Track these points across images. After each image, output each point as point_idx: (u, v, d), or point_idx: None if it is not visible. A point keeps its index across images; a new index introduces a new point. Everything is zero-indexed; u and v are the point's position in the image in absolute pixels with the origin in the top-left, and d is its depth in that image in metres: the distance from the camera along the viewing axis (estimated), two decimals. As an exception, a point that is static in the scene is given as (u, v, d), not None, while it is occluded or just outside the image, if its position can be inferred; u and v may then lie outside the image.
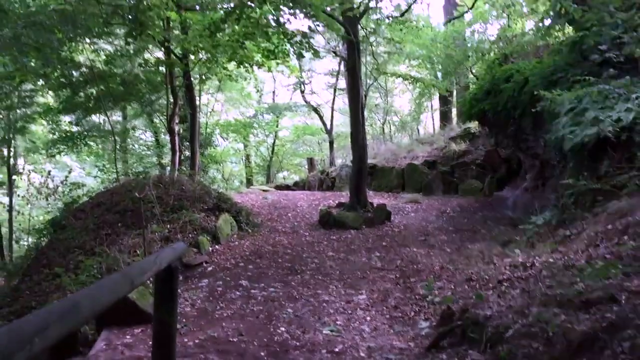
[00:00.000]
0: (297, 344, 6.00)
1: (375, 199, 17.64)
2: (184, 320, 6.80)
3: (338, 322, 6.71)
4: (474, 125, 20.74)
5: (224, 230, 11.44)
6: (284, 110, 26.76)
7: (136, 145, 25.20)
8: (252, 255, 10.55)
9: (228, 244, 11.31)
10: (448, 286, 7.48)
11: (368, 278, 8.87)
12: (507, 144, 15.25)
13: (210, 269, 9.60)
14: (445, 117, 24.72)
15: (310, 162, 26.29)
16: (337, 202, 17.75)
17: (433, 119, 29.69)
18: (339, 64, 24.25)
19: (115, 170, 17.31)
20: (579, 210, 8.41)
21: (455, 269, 8.64)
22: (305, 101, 26.39)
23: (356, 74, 13.92)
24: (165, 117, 18.08)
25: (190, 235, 11.24)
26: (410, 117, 28.20)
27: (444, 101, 24.67)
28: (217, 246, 10.95)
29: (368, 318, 6.86)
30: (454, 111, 25.75)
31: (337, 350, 5.80)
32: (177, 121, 18.45)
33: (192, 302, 7.65)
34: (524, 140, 13.60)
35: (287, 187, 23.31)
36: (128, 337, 6.38)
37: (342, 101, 29.13)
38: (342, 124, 29.90)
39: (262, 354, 5.70)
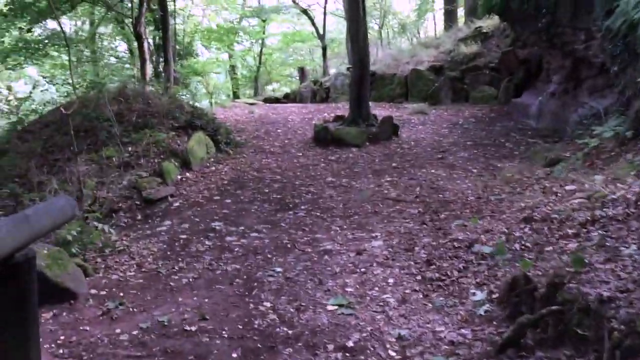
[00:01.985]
0: (290, 332, 3.86)
1: (375, 110, 15.22)
2: (120, 294, 4.63)
3: (348, 289, 4.56)
4: (486, 25, 18.03)
5: (196, 152, 9.14)
6: (271, 14, 23.66)
7: (108, 56, 22.35)
8: (232, 184, 8.32)
9: (202, 170, 9.04)
10: (498, 228, 5.28)
11: (381, 213, 6.68)
12: (534, 41, 12.71)
13: (176, 204, 7.39)
14: (450, 17, 21.84)
15: (302, 72, 23.61)
16: (334, 115, 15.41)
17: (435, 22, 26.75)
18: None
19: (70, 83, 14.71)
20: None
21: (497, 200, 6.44)
22: (294, 2, 23.22)
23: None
24: (131, 21, 15.29)
25: (154, 160, 8.95)
26: (412, 18, 25.16)
27: (449, -1, 21.75)
28: (187, 174, 8.68)
29: (391, 280, 4.69)
30: (460, 11, 22.85)
31: (350, 344, 3.67)
32: (144, 25, 15.69)
33: (140, 261, 5.45)
34: (559, 34, 11.08)
35: (276, 100, 20.80)
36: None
37: (335, 1, 26.04)
38: (335, 28, 26.99)
39: (234, 356, 3.57)
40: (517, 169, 8.52)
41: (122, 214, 7.34)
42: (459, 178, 8.34)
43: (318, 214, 6.83)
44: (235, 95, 26.79)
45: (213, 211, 6.95)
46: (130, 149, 9.36)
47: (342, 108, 16.91)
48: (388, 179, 8.56)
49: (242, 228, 6.25)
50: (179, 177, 8.47)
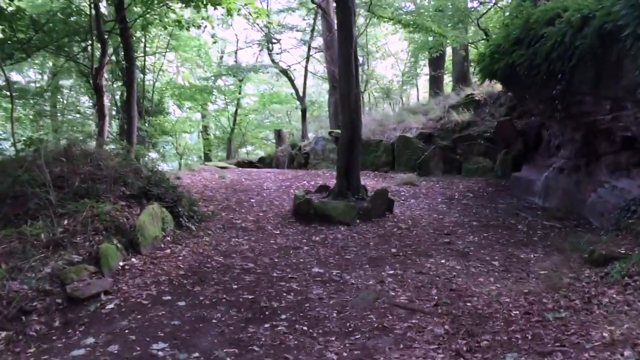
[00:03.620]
0: None
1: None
2: None
3: None
4: (478, 92, 16.77)
5: (148, 230, 7.14)
6: (247, 72, 22.08)
7: (69, 111, 20.46)
8: (190, 275, 6.32)
9: (153, 253, 7.02)
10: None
11: (393, 332, 4.74)
12: (542, 111, 11.24)
13: (109, 307, 5.33)
14: (436, 84, 20.64)
15: (279, 134, 21.98)
16: (314, 184, 13.65)
17: (417, 88, 25.56)
18: (314, 16, 19.86)
19: (12, 140, 12.69)
20: None
21: (558, 321, 4.58)
22: (274, 62, 21.75)
23: (348, 2, 9.65)
24: (91, 73, 13.49)
25: (95, 239, 6.94)
26: (396, 84, 23.89)
27: (435, 65, 20.58)
28: (133, 259, 6.64)
29: None
30: (445, 78, 21.72)
31: None
32: (105, 78, 13.95)
33: None
34: (576, 103, 9.60)
35: (250, 164, 19.01)
36: None
37: (317, 62, 24.70)
38: (315, 91, 25.63)
39: None
40: (549, 263, 6.74)
41: (35, 318, 5.27)
42: (480, 274, 6.50)
43: (305, 328, 4.87)
44: (207, 157, 24.97)
45: (158, 321, 4.92)
46: (66, 222, 7.36)
47: (323, 176, 15.21)
48: (390, 271, 6.67)
49: (196, 355, 4.24)
50: (122, 263, 6.43)
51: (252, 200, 11.32)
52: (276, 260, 7.14)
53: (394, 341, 4.54)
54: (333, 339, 4.63)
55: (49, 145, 9.80)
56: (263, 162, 19.48)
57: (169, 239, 7.68)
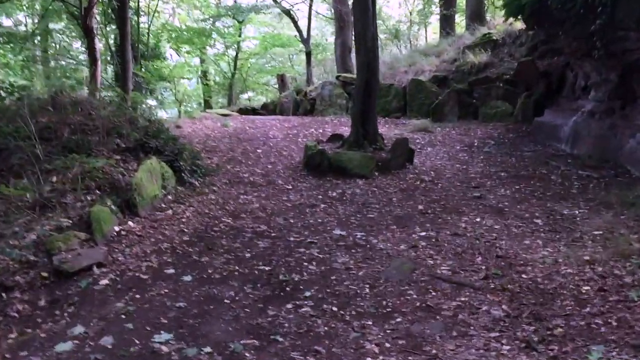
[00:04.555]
0: None
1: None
2: None
3: None
4: (495, 31, 15.58)
5: (146, 189, 6.27)
6: (248, 13, 20.66)
7: (62, 56, 19.28)
8: (195, 242, 5.48)
9: (153, 215, 6.17)
10: None
11: (440, 312, 3.94)
12: (576, 49, 10.16)
13: (103, 282, 4.51)
14: (447, 23, 19.27)
15: (282, 79, 20.78)
16: (322, 131, 12.74)
17: (426, 30, 24.15)
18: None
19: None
20: None
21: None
22: (275, 1, 20.23)
23: None
24: (80, 13, 12.31)
25: (87, 199, 6.09)
26: (406, 23, 22.47)
27: (446, 3, 19.21)
28: (131, 222, 5.79)
29: None
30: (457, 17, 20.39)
31: None
32: (95, 18, 12.80)
33: None
34: (619, 39, 8.57)
35: (253, 111, 17.94)
36: None
37: (320, 2, 23.19)
38: (319, 33, 24.27)
39: None
40: (601, 222, 5.90)
41: (18, 295, 4.47)
42: (524, 235, 5.68)
43: (334, 308, 4.06)
44: (207, 104, 23.84)
45: (160, 303, 4.11)
46: (54, 179, 6.50)
47: (332, 123, 14.25)
48: (421, 233, 5.86)
49: (208, 350, 3.44)
50: (117, 228, 5.59)
51: (259, 151, 10.43)
52: (291, 220, 6.31)
53: (444, 326, 3.74)
54: (370, 323, 3.83)
55: (34, 93, 8.83)
56: (266, 109, 18.43)
57: (170, 197, 6.82)
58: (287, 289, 4.41)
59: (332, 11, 21.01)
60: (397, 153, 8.73)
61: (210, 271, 4.72)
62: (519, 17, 11.30)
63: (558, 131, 11.16)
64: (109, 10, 16.92)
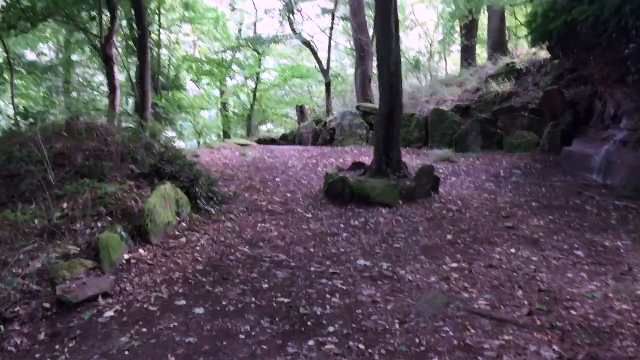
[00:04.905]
0: None
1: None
2: None
3: None
4: (519, 60, 15.26)
5: (160, 215, 5.93)
6: (268, 44, 20.52)
7: (84, 86, 19.35)
8: (209, 272, 5.08)
9: (166, 243, 5.81)
10: None
11: (484, 355, 3.47)
12: (607, 75, 9.75)
13: (107, 315, 4.12)
14: (468, 54, 19.06)
15: (301, 110, 20.67)
16: (342, 161, 12.42)
17: (446, 61, 23.93)
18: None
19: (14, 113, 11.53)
20: None
21: None
22: (295, 32, 20.21)
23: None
24: (100, 42, 12.25)
25: (98, 225, 5.76)
26: (428, 54, 22.24)
27: (468, 34, 19.01)
28: (142, 250, 5.44)
29: None
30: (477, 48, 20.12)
31: None
32: (115, 46, 12.72)
33: None
34: (656, 64, 8.19)
35: (272, 142, 17.74)
36: None
37: (340, 34, 23.11)
38: (338, 65, 24.15)
39: None
40: (650, 254, 5.41)
41: (17, 327, 4.11)
42: (566, 268, 5.20)
43: (362, 346, 3.63)
44: (226, 135, 23.73)
45: (169, 337, 3.71)
46: (65, 205, 6.19)
47: (352, 153, 13.93)
48: (453, 264, 5.40)
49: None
50: (127, 256, 5.23)
51: (278, 180, 10.09)
52: (312, 250, 5.90)
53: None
54: (404, 368, 3.39)
55: (49, 118, 8.64)
56: (285, 140, 18.21)
57: (184, 225, 6.46)
58: (309, 323, 3.98)
59: (352, 42, 20.89)
60: (423, 181, 8.32)
61: (224, 303, 4.31)
62: (545, 44, 10.95)
63: (589, 161, 10.68)
64: (131, 43, 16.97)
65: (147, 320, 4.01)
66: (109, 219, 5.95)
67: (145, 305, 4.26)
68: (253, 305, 4.29)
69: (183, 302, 4.31)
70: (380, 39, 8.57)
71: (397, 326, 3.94)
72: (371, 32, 17.47)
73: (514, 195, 8.94)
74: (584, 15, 8.95)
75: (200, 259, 5.40)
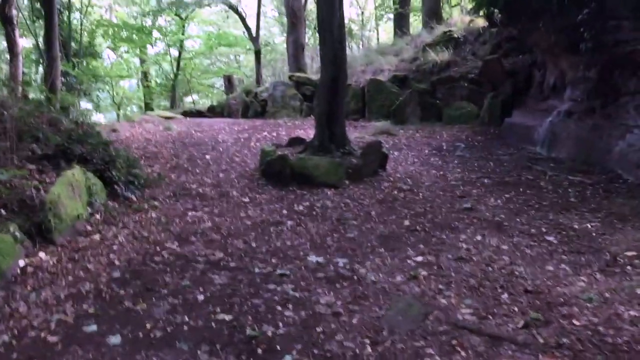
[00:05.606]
0: None
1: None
2: None
3: None
4: (456, 28, 14.71)
5: (65, 207, 4.83)
6: (191, 8, 18.92)
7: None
8: (128, 281, 4.07)
9: (74, 242, 4.74)
10: None
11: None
12: (557, 42, 9.26)
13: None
14: (402, 22, 18.36)
15: (229, 81, 19.37)
16: (279, 136, 11.53)
17: (378, 31, 23.20)
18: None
19: None
20: None
21: None
22: (221, -4, 18.69)
23: None
24: (-2, 0, 10.59)
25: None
26: (360, 22, 21.36)
27: (402, 0, 18.28)
28: (43, 254, 4.35)
29: None
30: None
31: None
32: (17, 6, 11.11)
33: None
34: (610, 30, 7.70)
35: (199, 114, 16.48)
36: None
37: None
38: (266, 33, 22.92)
39: None
40: (628, 239, 4.90)
41: None
42: (543, 259, 4.59)
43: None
44: (148, 107, 22.10)
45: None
46: (-54, 197, 4.97)
47: (285, 125, 13.04)
48: (417, 257, 4.67)
49: None
50: (23, 263, 4.13)
51: (207, 157, 9.06)
52: (254, 244, 4.99)
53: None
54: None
55: None
56: (213, 112, 16.98)
57: (98, 217, 5.38)
58: (259, 350, 3.12)
59: (278, 11, 19.73)
60: (370, 159, 7.55)
61: (148, 326, 3.36)
62: (490, 10, 10.35)
63: (532, 133, 10.30)
64: (37, 5, 15.12)
65: (44, 357, 3.01)
66: (2, 213, 4.80)
67: (43, 335, 3.24)
68: (186, 328, 3.36)
69: (94, 328, 3.32)
70: (321, 3, 7.62)
71: (369, 348, 3.15)
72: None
73: (462, 170, 8.36)
74: (533, -21, 8.38)
75: (117, 263, 4.38)
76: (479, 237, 5.20)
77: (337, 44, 7.58)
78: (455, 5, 19.41)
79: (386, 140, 10.99)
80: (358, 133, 11.78)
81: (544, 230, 5.41)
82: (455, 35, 14.27)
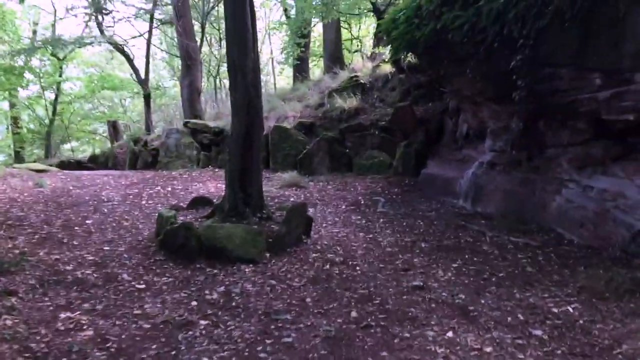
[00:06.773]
0: None
1: (220, 182, 10.27)
2: None
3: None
4: (362, 74, 14.05)
5: None
6: (71, 46, 16.77)
7: None
8: None
9: None
10: None
11: None
12: (482, 89, 8.61)
13: None
14: (301, 67, 17.54)
15: (114, 126, 17.39)
16: (174, 191, 10.04)
17: (274, 75, 22.30)
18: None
19: None
20: None
21: None
22: (103, 33, 16.56)
23: None
24: None
25: None
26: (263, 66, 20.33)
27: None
28: None
29: None
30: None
31: None
32: None
33: None
34: (546, 77, 7.08)
35: (78, 165, 14.42)
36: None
37: (159, 40, 20.31)
38: (156, 76, 21.23)
39: None
40: (627, 331, 3.98)
41: None
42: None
43: None
44: (19, 157, 19.42)
45: None
46: None
47: (181, 178, 11.54)
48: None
49: None
50: None
51: (89, 222, 7.36)
52: (156, 368, 3.50)
53: None
54: None
55: None
56: (95, 162, 14.98)
57: None
58: None
59: (168, 53, 18.21)
60: (293, 224, 6.25)
61: None
62: (408, 55, 9.63)
63: (452, 185, 9.62)
64: None
65: None
66: None
67: None
68: None
69: None
70: (232, 38, 6.35)
71: None
72: (198, 37, 15.12)
73: (392, 232, 7.34)
74: (457, 22, 7.69)
75: None
76: (450, 334, 4.07)
77: (251, 89, 6.31)
78: (356, 51, 18.96)
79: (296, 194, 9.93)
80: (265, 187, 10.51)
81: (521, 317, 4.40)
82: (362, 81, 13.59)
